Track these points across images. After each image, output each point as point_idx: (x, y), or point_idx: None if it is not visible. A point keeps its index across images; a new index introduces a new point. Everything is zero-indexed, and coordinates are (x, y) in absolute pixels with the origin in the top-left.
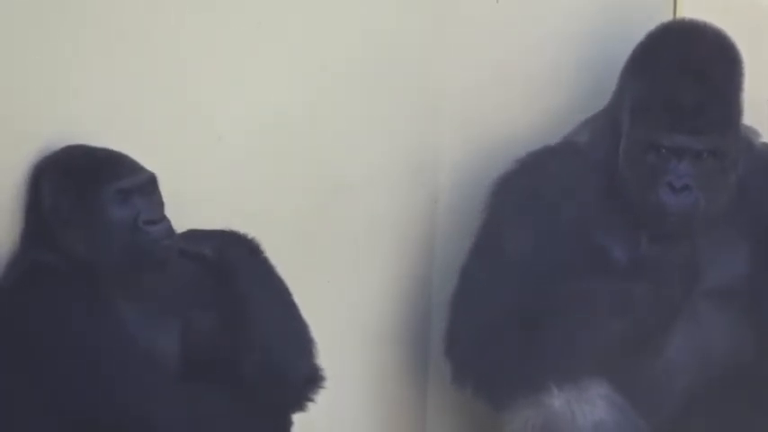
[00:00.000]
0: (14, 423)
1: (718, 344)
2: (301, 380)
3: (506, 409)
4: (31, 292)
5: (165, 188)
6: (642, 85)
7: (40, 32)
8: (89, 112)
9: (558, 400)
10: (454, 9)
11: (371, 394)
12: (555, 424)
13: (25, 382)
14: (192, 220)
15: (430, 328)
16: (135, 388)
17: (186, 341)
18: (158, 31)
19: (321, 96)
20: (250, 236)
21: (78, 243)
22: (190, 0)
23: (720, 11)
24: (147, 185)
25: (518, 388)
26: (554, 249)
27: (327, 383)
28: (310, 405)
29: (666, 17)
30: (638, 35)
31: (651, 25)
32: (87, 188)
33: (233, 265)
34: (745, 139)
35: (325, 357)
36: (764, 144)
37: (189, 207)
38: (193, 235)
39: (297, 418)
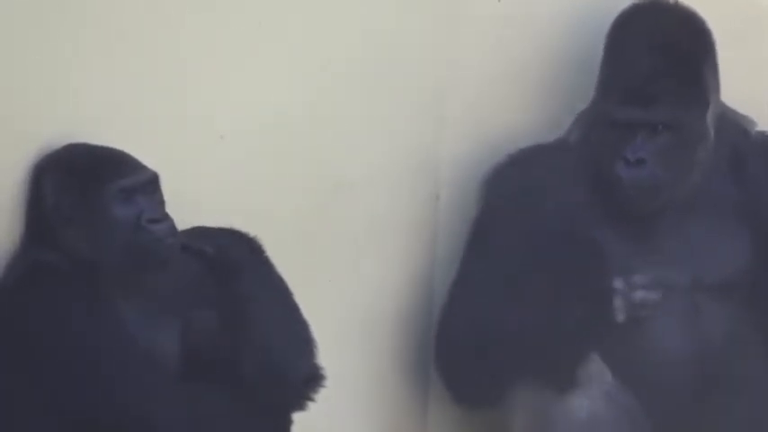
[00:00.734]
0: (14, 423)
1: (718, 337)
2: (301, 379)
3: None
4: (32, 292)
5: (166, 187)
6: (607, 62)
7: (41, 32)
8: (89, 111)
9: (553, 396)
10: (455, 8)
11: (372, 394)
12: (552, 418)
13: (25, 381)
14: (192, 220)
15: (431, 327)
16: (135, 388)
17: (187, 340)
18: (159, 31)
19: (321, 96)
20: (251, 234)
21: (80, 242)
22: (190, 0)
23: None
24: (150, 184)
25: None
26: (543, 245)
27: (328, 383)
28: (310, 405)
29: None
30: None
31: None
32: (90, 186)
33: (234, 264)
34: (738, 125)
35: (325, 357)
36: (761, 133)
37: (189, 206)
38: (194, 233)
39: (297, 417)
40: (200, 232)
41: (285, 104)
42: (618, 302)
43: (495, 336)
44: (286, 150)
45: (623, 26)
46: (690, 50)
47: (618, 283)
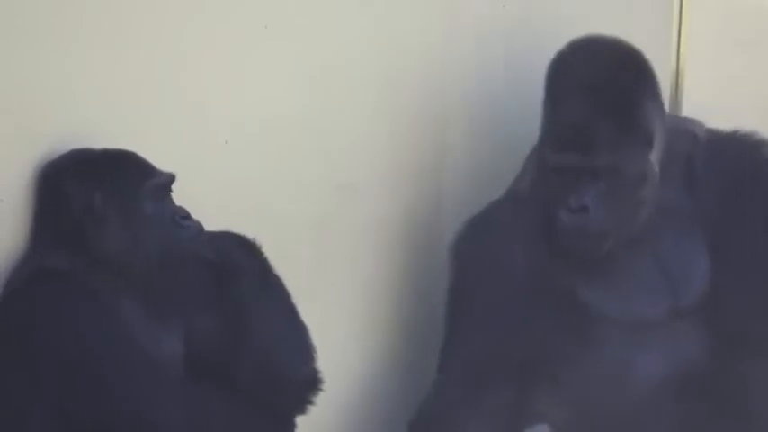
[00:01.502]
0: (18, 425)
1: (682, 354)
2: (300, 383)
3: None
4: (38, 296)
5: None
6: (545, 105)
7: (45, 34)
8: (93, 115)
9: None
10: (462, 11)
11: (374, 397)
12: None
13: (30, 384)
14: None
15: (433, 330)
16: (138, 392)
17: (190, 343)
18: (163, 33)
19: (326, 98)
20: (250, 238)
21: (113, 240)
22: (194, 1)
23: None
24: (171, 184)
25: None
26: (516, 305)
27: (329, 385)
28: (311, 408)
29: (670, 21)
30: (642, 41)
31: (654, 32)
32: (124, 186)
33: (233, 268)
34: (689, 133)
35: (326, 360)
36: (710, 132)
37: (192, 210)
38: None
39: (299, 420)
40: None
41: (289, 107)
42: None
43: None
44: (290, 153)
45: (558, 68)
46: (627, 90)
47: None
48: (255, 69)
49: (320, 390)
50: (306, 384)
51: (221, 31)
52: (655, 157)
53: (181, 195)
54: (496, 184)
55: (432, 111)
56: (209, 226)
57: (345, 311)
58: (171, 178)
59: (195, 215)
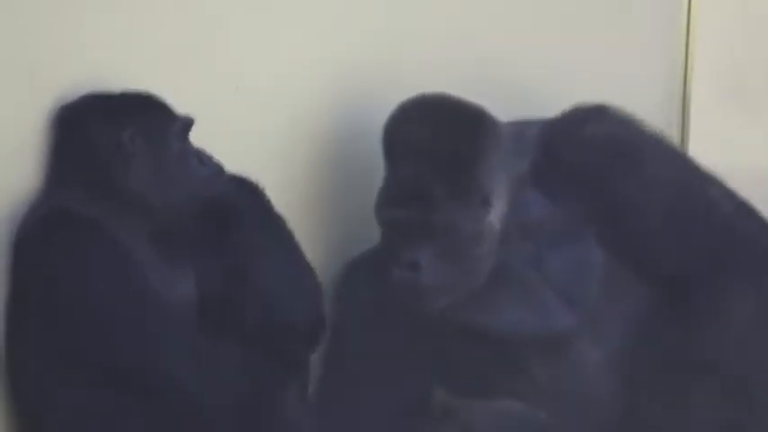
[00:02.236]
0: (32, 366)
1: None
2: (306, 325)
3: None
4: (53, 238)
5: None
6: (385, 165)
7: None
8: (107, 57)
9: None
10: None
11: None
12: None
13: (45, 326)
14: None
15: None
16: (149, 340)
17: (201, 287)
18: None
19: (340, 48)
20: (254, 180)
21: (140, 178)
22: None
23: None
24: (192, 126)
25: None
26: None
27: None
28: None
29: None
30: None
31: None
32: (153, 125)
33: (237, 211)
34: (527, 146)
35: None
36: (545, 123)
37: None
38: None
39: None
40: None
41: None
42: None
43: None
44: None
45: (390, 129)
46: (459, 151)
47: None
48: (274, 19)
49: (325, 332)
50: (312, 326)
51: None
52: (494, 213)
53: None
54: None
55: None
56: None
57: None
58: (192, 120)
59: None
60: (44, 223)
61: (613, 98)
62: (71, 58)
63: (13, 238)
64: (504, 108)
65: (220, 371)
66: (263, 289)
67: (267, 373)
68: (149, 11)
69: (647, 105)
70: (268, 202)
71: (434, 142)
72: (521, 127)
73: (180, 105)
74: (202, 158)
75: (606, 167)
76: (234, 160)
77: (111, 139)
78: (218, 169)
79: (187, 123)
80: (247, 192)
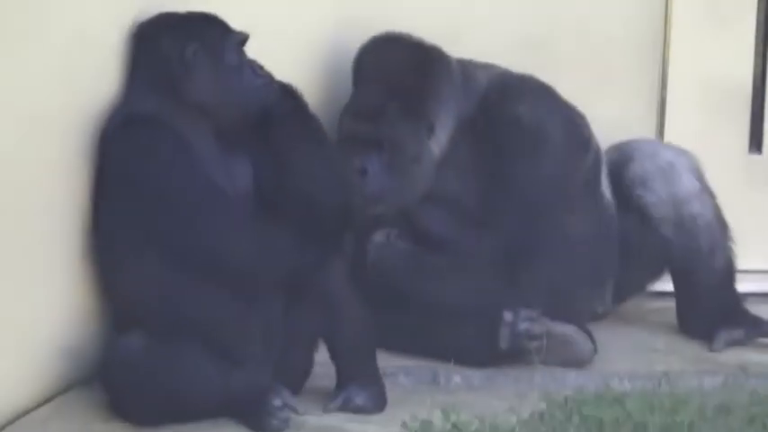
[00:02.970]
0: (114, 247)
1: None
2: (337, 209)
3: None
4: (131, 138)
5: None
6: (353, 87)
7: None
8: None
9: None
10: None
11: None
12: None
13: (124, 214)
14: None
15: None
16: (213, 226)
17: (255, 177)
18: None
19: None
20: (293, 86)
21: (201, 86)
22: None
23: None
24: (247, 41)
25: None
26: None
27: None
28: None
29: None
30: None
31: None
32: (212, 40)
33: (281, 112)
34: (476, 88)
35: None
36: (492, 82)
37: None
38: None
39: None
40: None
41: None
42: (504, 332)
43: None
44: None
45: (360, 59)
46: (414, 84)
47: (507, 316)
48: None
49: (355, 213)
50: (342, 209)
51: None
52: (436, 143)
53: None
54: None
55: None
56: None
57: None
58: (247, 36)
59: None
60: (123, 125)
61: (600, 15)
62: None
63: (98, 137)
64: None
65: (272, 250)
66: (299, 179)
67: (311, 251)
68: None
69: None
70: (306, 104)
71: (392, 71)
72: (472, 70)
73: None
74: (255, 69)
75: (515, 147)
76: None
77: (176, 53)
78: (269, 78)
79: (242, 38)
80: (289, 96)
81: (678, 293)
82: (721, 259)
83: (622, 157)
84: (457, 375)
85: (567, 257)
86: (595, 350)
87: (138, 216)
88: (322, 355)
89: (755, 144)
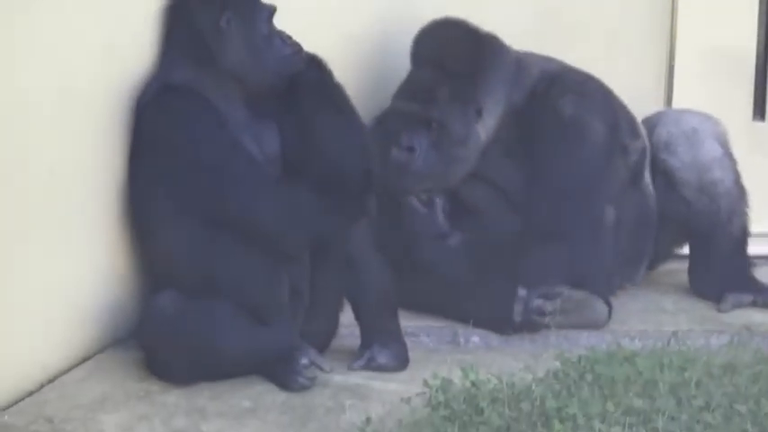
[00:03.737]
0: (150, 210)
1: None
2: (359, 175)
3: None
4: (166, 106)
5: None
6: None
7: None
8: None
9: None
10: None
11: None
12: None
13: (158, 179)
14: None
15: None
16: (243, 191)
17: (282, 144)
18: None
19: None
20: (319, 56)
21: (235, 54)
22: None
23: None
24: (275, 12)
25: None
26: None
27: None
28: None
29: None
30: None
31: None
32: (246, 10)
33: (307, 81)
34: (531, 75)
35: None
36: (543, 75)
37: None
38: None
39: None
40: None
41: None
42: (518, 307)
43: None
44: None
45: (418, 41)
46: (466, 69)
47: (521, 291)
48: None
49: (375, 180)
50: (363, 175)
51: None
52: (483, 127)
53: None
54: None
55: None
56: None
57: None
58: (275, 8)
59: None
60: (158, 94)
61: None
62: None
63: (134, 106)
64: None
65: (298, 213)
66: (323, 145)
67: (336, 215)
68: None
69: None
70: (331, 73)
71: (446, 55)
72: (529, 62)
73: None
74: (284, 39)
75: (554, 138)
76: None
77: (211, 23)
78: (298, 48)
79: (272, 10)
80: (316, 66)
81: (692, 255)
82: (737, 225)
83: (650, 123)
84: (475, 336)
85: (594, 242)
86: (610, 314)
87: (172, 181)
88: (347, 316)
89: (759, 111)
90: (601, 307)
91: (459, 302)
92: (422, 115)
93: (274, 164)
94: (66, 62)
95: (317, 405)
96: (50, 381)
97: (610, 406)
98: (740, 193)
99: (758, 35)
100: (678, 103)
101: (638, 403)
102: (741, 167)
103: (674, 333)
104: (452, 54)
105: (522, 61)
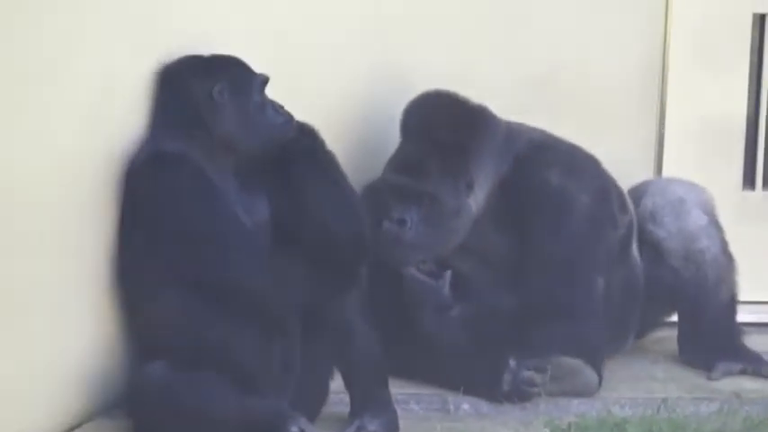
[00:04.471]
0: (139, 277)
1: None
2: (351, 243)
3: None
4: (157, 175)
5: None
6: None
7: None
8: (191, 30)
9: None
10: None
11: None
12: None
13: (147, 247)
14: None
15: None
16: (233, 260)
17: (273, 212)
18: None
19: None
20: (310, 125)
21: (228, 123)
22: None
23: None
24: (268, 82)
25: None
26: None
27: None
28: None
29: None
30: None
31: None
32: (239, 81)
33: (297, 149)
34: (513, 149)
35: None
36: (529, 145)
37: None
38: None
39: None
40: None
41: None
42: (507, 377)
43: None
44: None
45: (408, 113)
46: (458, 142)
47: (512, 362)
48: None
49: (369, 247)
50: (356, 243)
51: None
52: (474, 199)
53: None
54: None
55: None
56: None
57: None
58: (268, 78)
59: None
60: (149, 161)
61: (600, 57)
62: (169, 28)
63: (124, 172)
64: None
65: (289, 282)
66: (315, 213)
67: (328, 284)
68: None
69: (630, 62)
70: (323, 142)
71: (436, 128)
72: (515, 130)
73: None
74: (276, 108)
75: (540, 212)
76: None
77: (204, 92)
78: (289, 117)
79: (264, 80)
80: (307, 134)
81: (681, 324)
82: (726, 293)
83: (636, 193)
84: (465, 403)
85: (589, 314)
86: (600, 382)
87: (162, 249)
88: (336, 383)
89: (749, 181)
90: (591, 374)
91: (453, 372)
92: (413, 189)
93: (264, 232)
94: (56, 134)
95: None
96: None
97: None
98: (728, 262)
99: (748, 105)
100: (668, 171)
101: None
102: (732, 236)
103: (664, 400)
104: (442, 126)
105: (510, 131)
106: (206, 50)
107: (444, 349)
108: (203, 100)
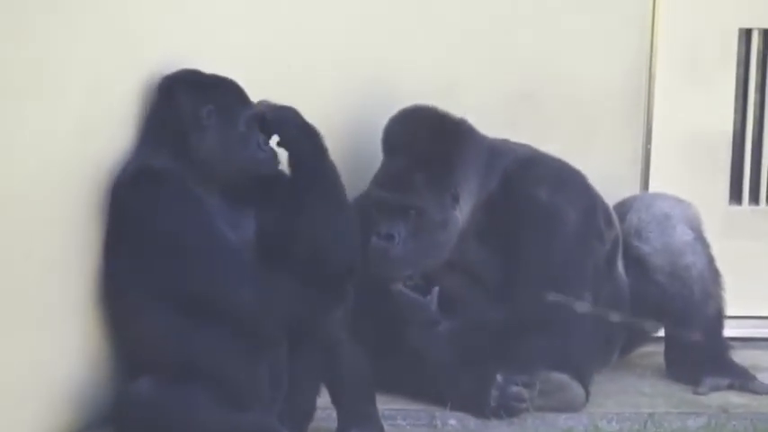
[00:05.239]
0: (124, 294)
1: None
2: (342, 264)
3: None
4: (142, 191)
5: None
6: (383, 156)
7: None
8: (185, 44)
9: None
10: None
11: None
12: None
13: (132, 263)
14: None
15: None
16: (220, 274)
17: (260, 230)
18: None
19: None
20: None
21: (209, 148)
22: None
23: None
24: (261, 117)
25: None
26: None
27: None
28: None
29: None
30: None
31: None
32: (229, 107)
33: (283, 174)
34: (500, 166)
35: None
36: (516, 161)
37: None
38: None
39: None
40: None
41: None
42: (494, 392)
43: None
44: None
45: (390, 129)
46: (442, 156)
47: (499, 377)
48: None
49: (358, 264)
50: (346, 259)
51: None
52: (460, 212)
53: None
54: None
55: None
56: None
57: None
58: (262, 113)
59: None
60: (135, 176)
61: (586, 72)
62: (159, 43)
63: (111, 188)
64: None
65: (275, 297)
66: (306, 230)
67: (314, 299)
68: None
69: (616, 77)
70: (324, 149)
71: (419, 142)
72: (500, 147)
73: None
74: (261, 143)
75: (529, 225)
76: None
77: (192, 112)
78: (272, 155)
79: (257, 114)
80: (309, 136)
81: (668, 339)
82: (712, 308)
83: (621, 208)
84: (453, 419)
85: (576, 329)
86: (588, 397)
87: (148, 265)
88: (323, 398)
89: (735, 195)
90: (578, 389)
91: (440, 387)
92: (399, 203)
93: (250, 247)
94: (39, 142)
95: None
96: None
97: None
98: (714, 277)
99: (735, 118)
100: (654, 186)
101: None
102: (718, 251)
103: (651, 415)
104: (424, 140)
105: (495, 148)
106: (195, 65)
107: (431, 365)
108: (191, 119)
